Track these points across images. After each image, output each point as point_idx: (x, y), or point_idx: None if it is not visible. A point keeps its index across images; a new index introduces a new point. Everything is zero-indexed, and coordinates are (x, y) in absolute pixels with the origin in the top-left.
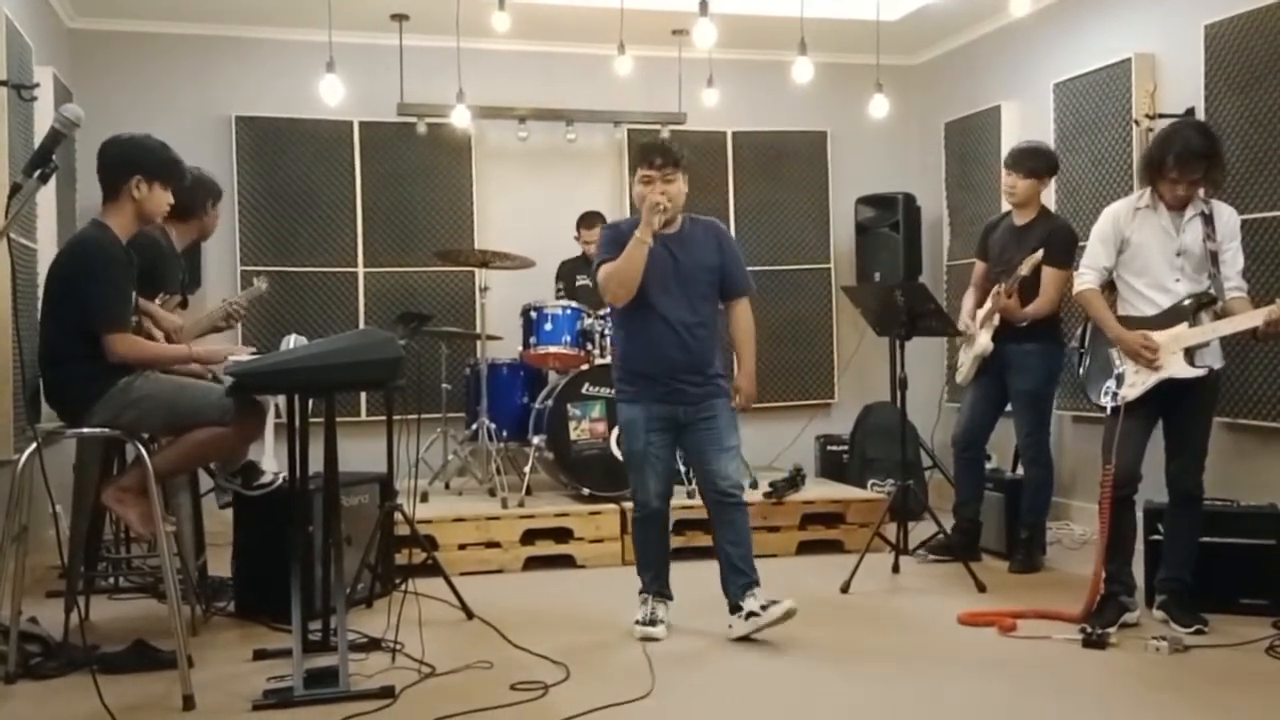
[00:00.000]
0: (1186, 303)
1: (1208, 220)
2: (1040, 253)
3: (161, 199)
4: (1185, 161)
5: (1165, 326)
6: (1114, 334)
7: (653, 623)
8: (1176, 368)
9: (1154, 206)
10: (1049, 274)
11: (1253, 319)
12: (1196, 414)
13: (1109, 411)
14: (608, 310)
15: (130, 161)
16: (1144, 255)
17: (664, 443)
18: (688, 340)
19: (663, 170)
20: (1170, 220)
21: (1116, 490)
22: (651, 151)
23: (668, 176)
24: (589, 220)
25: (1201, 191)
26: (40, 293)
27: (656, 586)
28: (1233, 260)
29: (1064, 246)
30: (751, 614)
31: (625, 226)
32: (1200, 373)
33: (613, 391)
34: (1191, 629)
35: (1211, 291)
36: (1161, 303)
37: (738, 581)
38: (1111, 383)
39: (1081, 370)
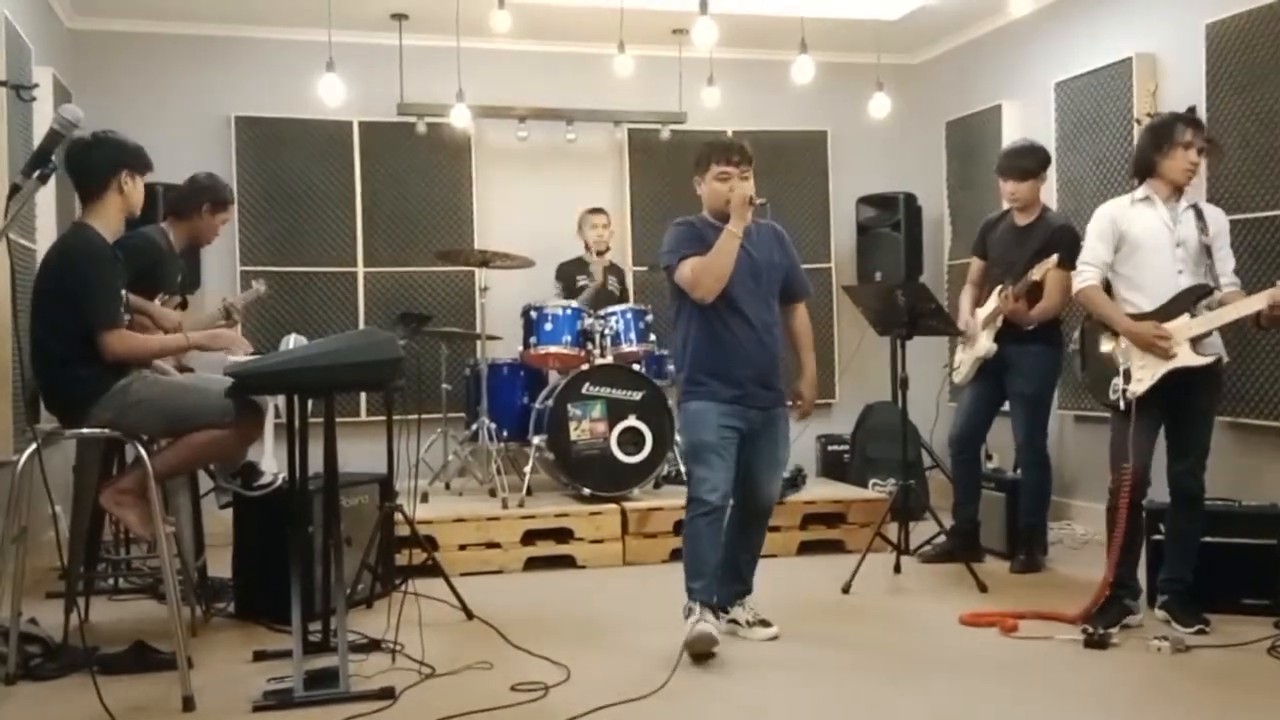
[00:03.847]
0: (1184, 295)
1: (1199, 215)
2: (1054, 258)
3: (141, 189)
4: (1195, 123)
5: (1165, 320)
6: (1124, 327)
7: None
8: (1184, 357)
9: (1151, 200)
10: (1054, 275)
11: (1255, 303)
12: (1202, 412)
13: (1120, 410)
14: (611, 310)
15: (114, 158)
16: (1144, 249)
17: (733, 442)
18: (765, 339)
19: (739, 167)
20: (1168, 213)
21: (1133, 492)
22: (729, 149)
23: (744, 174)
24: (597, 210)
25: (1203, 182)
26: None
27: (706, 596)
28: (1225, 259)
29: (1071, 248)
30: (734, 622)
31: (698, 223)
32: (1209, 360)
33: (612, 391)
34: (1193, 629)
35: (1209, 283)
36: (1163, 296)
37: (734, 587)
38: (1119, 380)
39: (1084, 375)
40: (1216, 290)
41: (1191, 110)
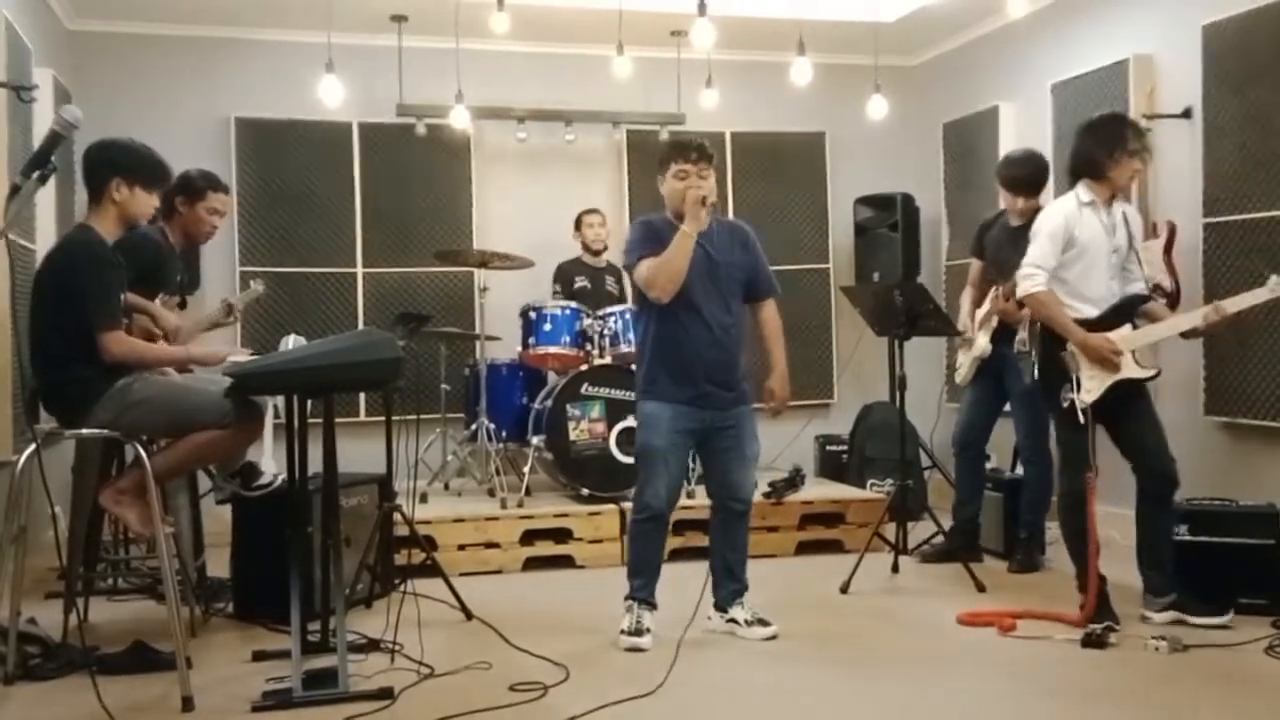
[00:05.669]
0: (1127, 303)
1: (1126, 221)
2: None
3: (144, 201)
4: (1138, 129)
5: (1110, 328)
6: (1078, 338)
7: (639, 632)
8: (1129, 369)
9: (1095, 204)
10: None
11: (1191, 320)
12: (1146, 409)
13: (1070, 418)
14: (609, 310)
15: (110, 164)
16: (1090, 254)
17: (684, 446)
18: (722, 339)
19: (698, 165)
20: (1107, 218)
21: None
22: (688, 148)
23: (703, 172)
24: (592, 210)
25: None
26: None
27: (644, 594)
28: (1141, 263)
29: None
30: (733, 621)
31: (658, 222)
32: (1151, 373)
33: (611, 391)
34: (1218, 619)
35: (1144, 291)
36: (1102, 302)
37: (730, 586)
38: (1069, 387)
39: (1036, 378)
40: (1154, 299)
41: (1187, 112)
